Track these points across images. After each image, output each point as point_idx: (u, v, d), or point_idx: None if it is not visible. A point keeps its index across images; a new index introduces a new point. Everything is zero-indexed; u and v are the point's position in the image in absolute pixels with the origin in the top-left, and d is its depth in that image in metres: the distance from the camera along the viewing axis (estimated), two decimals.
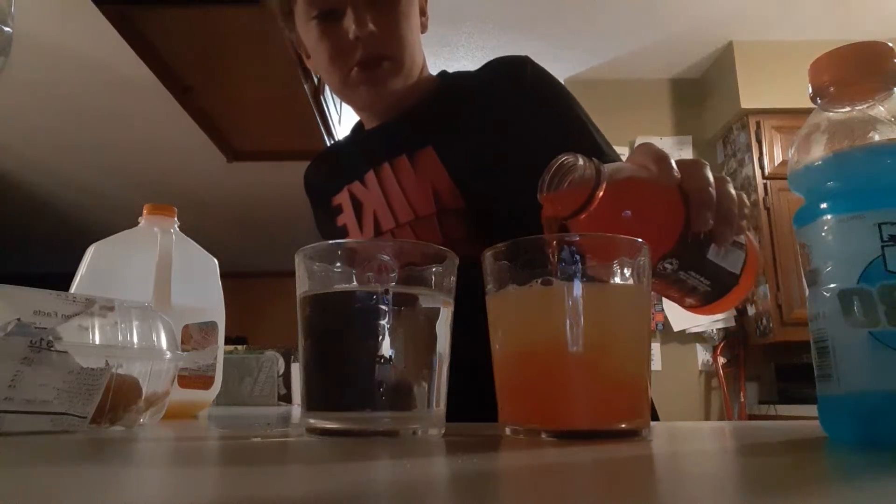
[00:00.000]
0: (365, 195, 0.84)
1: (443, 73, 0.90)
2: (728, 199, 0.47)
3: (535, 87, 0.80)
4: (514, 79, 0.81)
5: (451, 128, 0.81)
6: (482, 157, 0.77)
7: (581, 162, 0.45)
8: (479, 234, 0.72)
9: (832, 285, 0.33)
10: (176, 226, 0.79)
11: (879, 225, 0.32)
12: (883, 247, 0.31)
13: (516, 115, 0.78)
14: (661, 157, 0.47)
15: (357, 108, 0.90)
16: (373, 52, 0.77)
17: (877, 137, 0.34)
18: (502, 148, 0.76)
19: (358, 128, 0.96)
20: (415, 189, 0.79)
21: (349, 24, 0.75)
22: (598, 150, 0.73)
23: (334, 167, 0.94)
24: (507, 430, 0.39)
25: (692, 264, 0.46)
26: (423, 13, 0.85)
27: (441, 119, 0.83)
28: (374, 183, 0.83)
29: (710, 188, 0.45)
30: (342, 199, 0.87)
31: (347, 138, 0.98)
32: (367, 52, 0.76)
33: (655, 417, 0.75)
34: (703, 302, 0.51)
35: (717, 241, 0.47)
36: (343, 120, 2.27)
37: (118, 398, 0.44)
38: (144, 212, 0.79)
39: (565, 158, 0.46)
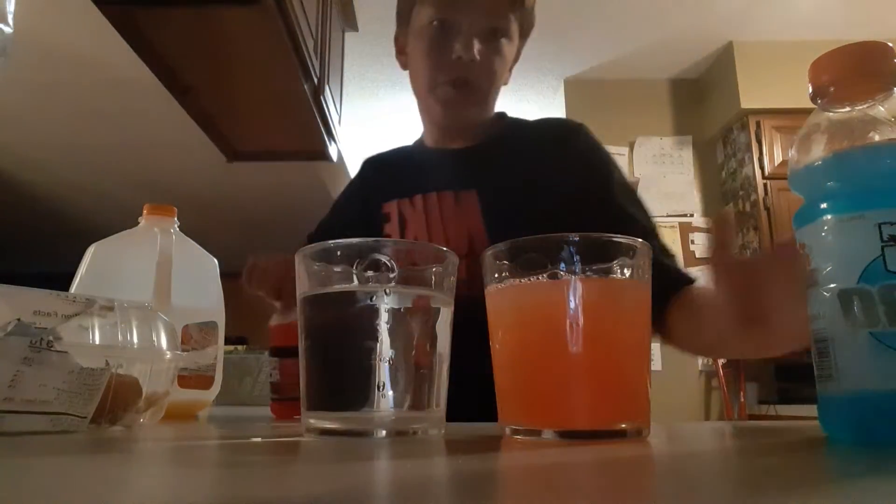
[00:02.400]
0: (411, 216, 0.89)
1: (502, 115, 0.95)
2: None
3: (586, 155, 0.85)
4: (567, 142, 0.86)
5: (498, 177, 0.85)
6: (517, 212, 0.81)
7: None
8: None
9: (832, 285, 0.33)
10: (176, 226, 0.79)
11: (879, 225, 0.32)
12: (883, 247, 0.31)
13: (562, 178, 0.82)
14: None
15: (427, 117, 0.94)
16: (468, 76, 0.83)
17: (877, 137, 0.34)
18: (539, 205, 0.81)
19: (420, 142, 1.00)
20: (454, 228, 0.84)
21: (458, 44, 0.81)
22: (632, 221, 0.78)
23: (392, 175, 0.97)
24: (507, 431, 0.39)
25: None
26: (510, 69, 0.90)
27: (491, 166, 0.87)
28: (420, 208, 0.88)
29: None
30: (391, 209, 0.91)
31: (410, 149, 1.02)
32: (464, 75, 0.82)
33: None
34: None
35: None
36: (343, 120, 2.27)
37: (118, 398, 0.44)
38: (144, 212, 0.79)
39: None
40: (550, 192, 0.81)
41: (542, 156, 0.86)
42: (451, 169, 0.90)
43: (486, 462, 0.28)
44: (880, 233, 0.32)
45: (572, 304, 0.37)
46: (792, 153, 0.37)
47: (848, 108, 0.35)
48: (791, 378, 2.77)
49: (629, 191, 0.83)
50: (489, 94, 0.87)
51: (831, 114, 0.36)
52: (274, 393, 0.75)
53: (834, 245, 0.33)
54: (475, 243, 0.81)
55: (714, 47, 3.16)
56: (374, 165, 1.03)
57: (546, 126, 0.92)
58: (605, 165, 0.85)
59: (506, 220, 0.81)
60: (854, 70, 0.35)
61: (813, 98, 0.37)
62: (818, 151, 0.35)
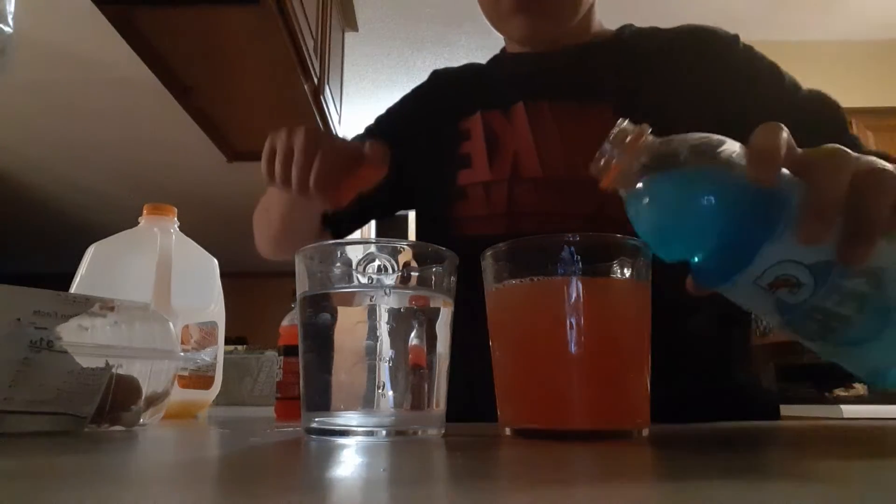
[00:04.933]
0: (506, 129, 0.70)
1: (627, 26, 0.79)
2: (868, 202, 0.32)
3: (747, 66, 0.70)
4: (722, 52, 0.71)
5: (636, 90, 0.68)
6: (669, 129, 0.66)
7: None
8: None
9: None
10: (176, 226, 0.79)
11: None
12: None
13: (720, 91, 0.67)
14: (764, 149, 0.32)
15: (514, 42, 0.78)
16: None
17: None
18: (705, 123, 0.65)
19: (500, 54, 0.83)
20: (580, 145, 0.63)
21: None
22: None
23: (475, 84, 0.79)
24: (507, 431, 0.39)
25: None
26: None
27: (624, 74, 0.70)
28: (522, 119, 0.70)
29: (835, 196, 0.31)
30: (473, 124, 0.73)
31: (496, 57, 0.83)
32: None
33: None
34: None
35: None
36: (343, 120, 2.27)
37: (118, 398, 0.44)
38: (144, 212, 0.79)
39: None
40: (716, 111, 0.63)
41: (693, 64, 0.69)
42: (569, 73, 0.71)
43: (486, 462, 0.28)
44: None
45: (572, 305, 0.37)
46: None
47: None
48: (791, 378, 2.77)
49: (805, 94, 0.69)
50: None
51: None
52: (277, 392, 0.75)
53: None
54: None
55: None
56: (450, 76, 0.83)
57: (690, 33, 0.74)
58: (775, 75, 0.71)
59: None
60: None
61: None
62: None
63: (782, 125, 0.34)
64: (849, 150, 0.33)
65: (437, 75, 0.84)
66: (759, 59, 0.72)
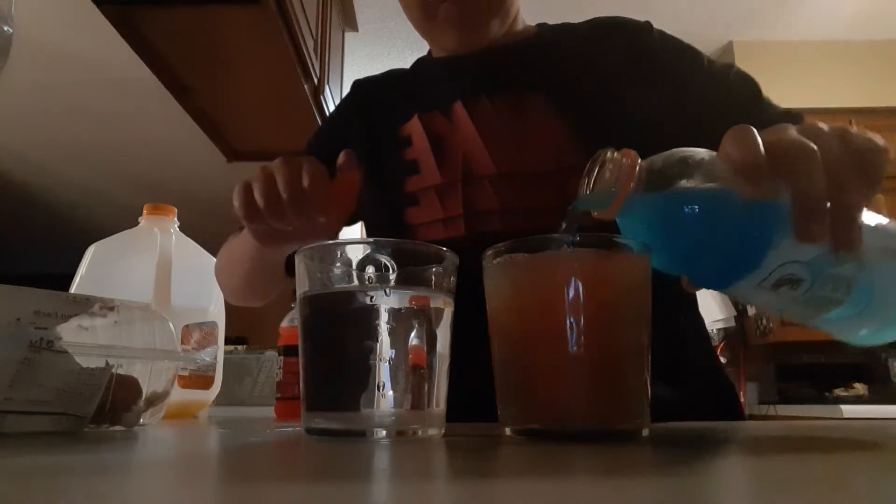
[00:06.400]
0: (448, 130, 0.70)
1: (542, 24, 0.80)
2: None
3: (663, 48, 0.72)
4: (642, 38, 0.72)
5: (566, 80, 0.70)
6: (606, 115, 0.66)
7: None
8: None
9: None
10: (176, 226, 0.79)
11: None
12: None
13: (640, 74, 0.69)
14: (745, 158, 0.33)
15: (442, 50, 0.79)
16: None
17: None
18: (631, 112, 0.65)
19: (426, 58, 0.83)
20: (526, 137, 0.66)
21: None
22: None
23: (405, 90, 0.79)
24: (507, 431, 0.39)
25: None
26: None
27: (552, 67, 0.72)
28: (463, 117, 0.69)
29: (815, 198, 0.32)
30: (412, 129, 0.72)
31: (419, 61, 0.83)
32: None
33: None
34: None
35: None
36: None
37: (118, 398, 0.44)
38: (144, 212, 0.79)
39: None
40: (642, 96, 0.66)
41: (616, 53, 0.71)
42: (501, 67, 0.72)
43: (486, 462, 0.28)
44: None
45: (572, 304, 0.37)
46: None
47: None
48: (791, 378, 2.77)
49: (731, 78, 0.71)
50: None
51: None
52: (277, 392, 0.75)
53: None
54: (562, 153, 0.64)
55: (714, 47, 3.15)
56: (374, 84, 0.82)
57: (603, 25, 0.75)
58: (694, 60, 0.72)
59: (595, 123, 0.65)
60: None
61: None
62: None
63: (752, 128, 0.34)
64: (811, 131, 0.34)
65: (359, 85, 0.83)
66: (674, 41, 0.74)
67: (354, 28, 2.63)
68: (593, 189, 0.37)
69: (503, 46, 0.74)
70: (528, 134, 0.67)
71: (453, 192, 0.67)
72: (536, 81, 0.70)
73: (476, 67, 0.73)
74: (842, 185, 0.33)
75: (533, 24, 0.80)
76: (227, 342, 0.84)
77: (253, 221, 0.52)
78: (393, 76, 0.82)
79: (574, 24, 0.78)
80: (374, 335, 0.38)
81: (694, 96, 0.68)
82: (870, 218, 0.35)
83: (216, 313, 0.79)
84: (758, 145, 0.33)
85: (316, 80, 1.77)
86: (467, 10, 0.70)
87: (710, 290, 0.39)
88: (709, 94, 0.69)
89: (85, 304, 0.43)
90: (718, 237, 0.34)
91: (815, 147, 0.33)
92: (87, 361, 0.41)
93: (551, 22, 0.80)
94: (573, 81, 0.69)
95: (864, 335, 0.38)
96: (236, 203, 0.52)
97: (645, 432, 0.37)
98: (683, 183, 0.34)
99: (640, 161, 0.36)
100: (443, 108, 0.71)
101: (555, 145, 0.66)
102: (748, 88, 0.71)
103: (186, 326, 0.74)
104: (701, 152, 0.35)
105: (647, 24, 0.74)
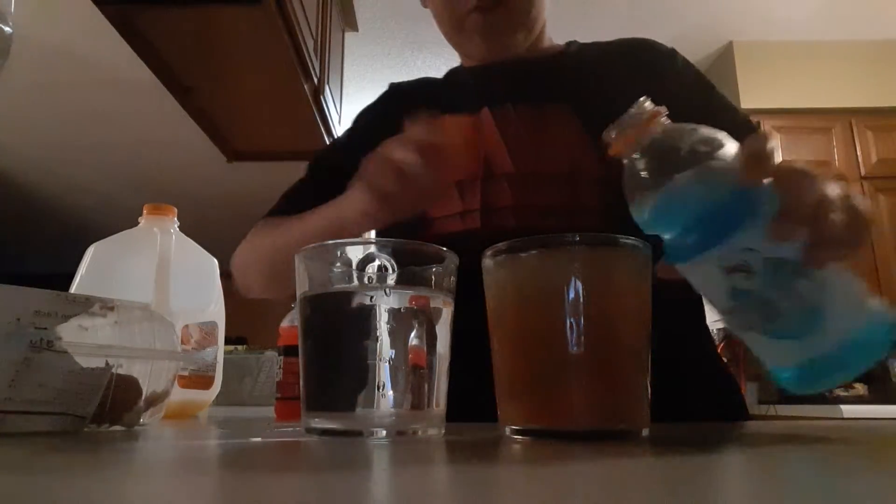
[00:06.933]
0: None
1: (571, 42, 0.85)
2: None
3: (684, 77, 0.77)
4: (665, 62, 0.77)
5: (591, 91, 0.74)
6: None
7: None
8: (616, 205, 0.65)
9: None
10: (176, 226, 0.79)
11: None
12: None
13: (660, 94, 0.72)
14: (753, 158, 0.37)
15: (470, 59, 0.83)
16: None
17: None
18: None
19: (457, 68, 0.88)
20: (545, 142, 0.71)
21: None
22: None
23: (436, 95, 0.84)
24: (507, 431, 0.39)
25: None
26: None
27: (579, 78, 0.76)
28: (489, 121, 0.74)
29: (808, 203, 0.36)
30: None
31: (452, 71, 0.88)
32: None
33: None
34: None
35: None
36: (343, 120, 2.27)
37: (118, 398, 0.44)
38: (144, 212, 0.79)
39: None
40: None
41: (638, 72, 0.75)
42: (528, 79, 0.76)
43: (486, 462, 0.28)
44: None
45: (573, 304, 0.37)
46: None
47: None
48: None
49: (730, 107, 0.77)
50: (529, 7, 0.75)
51: None
52: (277, 392, 0.75)
53: None
54: (579, 159, 0.68)
55: (714, 47, 3.15)
56: (409, 87, 0.86)
57: (636, 44, 0.80)
58: (707, 89, 0.78)
59: None
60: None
61: None
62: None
63: (771, 136, 0.39)
64: (820, 172, 0.38)
65: (396, 87, 0.88)
66: (693, 70, 0.81)
67: (354, 28, 2.63)
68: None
69: (531, 60, 0.78)
70: (547, 138, 0.72)
71: (473, 187, 0.71)
72: (559, 93, 0.74)
73: (504, 78, 0.77)
74: (830, 213, 0.36)
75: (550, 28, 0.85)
76: (227, 342, 0.84)
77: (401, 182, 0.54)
78: (426, 83, 0.88)
79: (601, 42, 0.83)
80: (373, 335, 0.38)
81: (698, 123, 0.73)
82: (841, 267, 0.37)
83: (216, 313, 0.79)
84: (770, 144, 0.37)
85: (316, 80, 1.77)
86: (494, 20, 0.74)
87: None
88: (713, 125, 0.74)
89: (85, 304, 0.43)
90: (705, 204, 0.37)
91: (825, 180, 0.38)
92: (87, 361, 0.41)
93: (560, 24, 0.85)
94: (594, 95, 0.73)
95: (795, 370, 0.39)
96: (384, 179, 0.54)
97: (645, 432, 0.37)
98: (696, 150, 0.38)
99: (664, 117, 0.40)
100: (471, 113, 0.75)
101: (571, 150, 0.70)
102: (747, 129, 0.74)
103: (186, 326, 0.74)
104: (725, 138, 0.39)
105: (672, 50, 0.80)
